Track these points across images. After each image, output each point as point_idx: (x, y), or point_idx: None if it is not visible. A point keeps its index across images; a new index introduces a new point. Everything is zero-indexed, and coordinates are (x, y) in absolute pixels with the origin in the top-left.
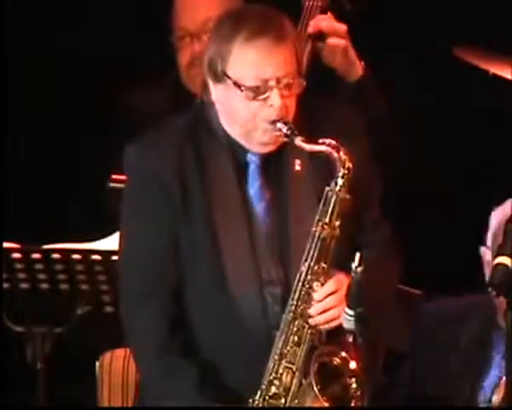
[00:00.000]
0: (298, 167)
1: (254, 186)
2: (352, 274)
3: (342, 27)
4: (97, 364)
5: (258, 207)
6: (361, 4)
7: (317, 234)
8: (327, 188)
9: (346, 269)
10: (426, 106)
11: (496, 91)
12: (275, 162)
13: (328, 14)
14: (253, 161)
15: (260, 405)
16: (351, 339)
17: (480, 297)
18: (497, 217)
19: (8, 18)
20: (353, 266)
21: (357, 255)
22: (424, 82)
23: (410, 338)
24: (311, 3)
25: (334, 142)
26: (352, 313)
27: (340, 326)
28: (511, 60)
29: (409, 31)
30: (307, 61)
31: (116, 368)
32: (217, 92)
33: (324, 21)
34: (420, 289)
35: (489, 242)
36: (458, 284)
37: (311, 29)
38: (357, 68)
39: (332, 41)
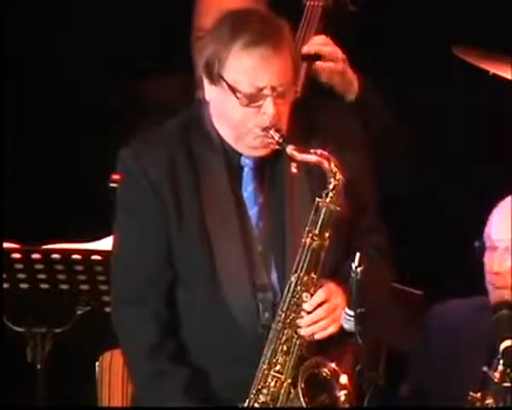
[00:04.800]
0: (294, 170)
1: (248, 190)
2: (352, 275)
3: (338, 51)
4: (97, 364)
5: (252, 210)
6: (363, 5)
7: (307, 245)
8: (317, 199)
9: (342, 275)
10: (425, 106)
11: (496, 91)
12: (269, 165)
13: (324, 37)
14: (247, 164)
15: None
16: (343, 351)
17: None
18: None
19: (8, 18)
20: (353, 266)
21: (357, 256)
22: (424, 82)
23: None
24: (312, 3)
25: (325, 152)
26: (351, 313)
27: (331, 337)
28: (511, 60)
29: (409, 31)
30: (303, 80)
31: (116, 368)
32: (211, 93)
33: (322, 46)
34: (420, 289)
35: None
36: (459, 284)
37: (307, 50)
38: (355, 86)
39: (328, 65)
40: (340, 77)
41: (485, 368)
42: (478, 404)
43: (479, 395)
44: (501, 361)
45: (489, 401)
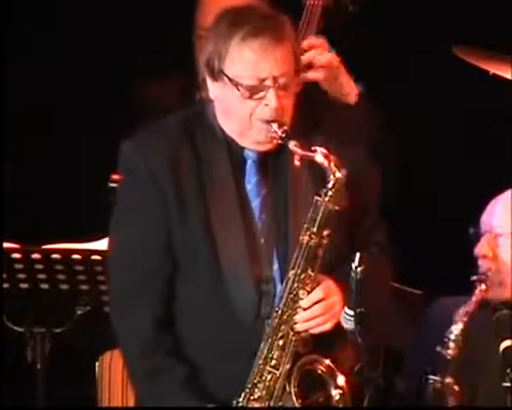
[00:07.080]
0: (297, 162)
1: (251, 182)
2: (352, 274)
3: (332, 60)
4: (97, 364)
5: (255, 202)
6: (363, 5)
7: (305, 243)
8: (316, 198)
9: (342, 271)
10: (426, 106)
11: (496, 91)
12: (272, 158)
13: (322, 42)
14: (250, 157)
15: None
16: (343, 350)
17: None
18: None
19: (8, 18)
20: (353, 266)
21: (357, 255)
22: (424, 82)
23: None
24: (312, 2)
25: (324, 150)
26: (351, 313)
27: (330, 336)
28: (511, 60)
29: (409, 31)
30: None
31: (116, 368)
32: (214, 90)
33: (315, 55)
34: (420, 289)
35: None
36: (458, 284)
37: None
38: (350, 96)
39: (312, 75)
40: (330, 84)
41: (438, 348)
42: (439, 385)
43: (438, 376)
44: (451, 337)
45: (449, 381)
